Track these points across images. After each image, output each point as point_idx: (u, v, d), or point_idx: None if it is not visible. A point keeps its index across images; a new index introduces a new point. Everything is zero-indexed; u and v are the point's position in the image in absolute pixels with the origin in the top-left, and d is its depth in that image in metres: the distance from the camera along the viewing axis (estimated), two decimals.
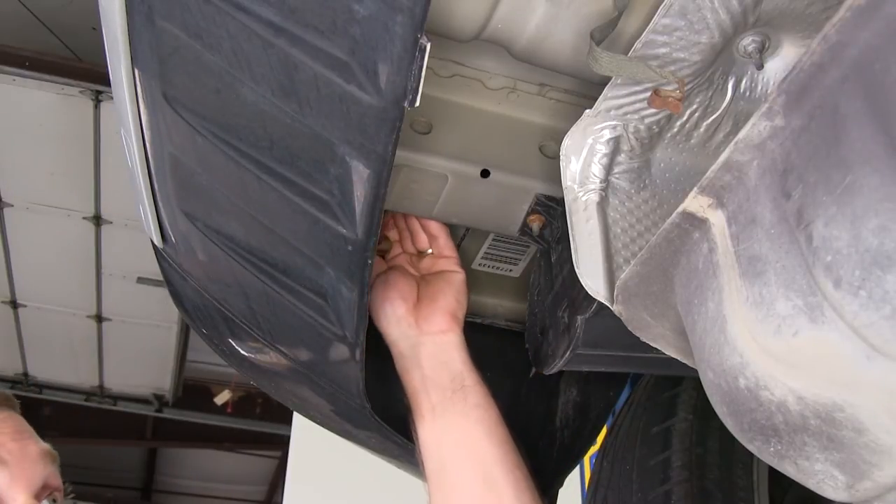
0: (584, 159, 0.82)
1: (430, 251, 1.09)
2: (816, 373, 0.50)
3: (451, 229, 1.12)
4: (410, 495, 1.12)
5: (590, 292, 0.79)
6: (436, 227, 1.08)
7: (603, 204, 0.82)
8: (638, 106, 0.78)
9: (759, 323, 0.52)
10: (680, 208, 0.58)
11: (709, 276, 0.58)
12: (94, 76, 3.59)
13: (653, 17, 0.69)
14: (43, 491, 0.82)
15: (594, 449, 1.58)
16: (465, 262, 1.13)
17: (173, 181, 0.89)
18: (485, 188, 0.95)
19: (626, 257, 0.81)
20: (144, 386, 5.84)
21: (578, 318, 0.91)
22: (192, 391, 6.00)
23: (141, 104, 0.81)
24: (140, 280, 4.63)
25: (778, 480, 1.34)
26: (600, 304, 0.80)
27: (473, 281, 1.12)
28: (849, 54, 0.44)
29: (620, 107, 0.78)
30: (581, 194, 0.82)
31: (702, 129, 0.82)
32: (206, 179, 0.84)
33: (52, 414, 6.00)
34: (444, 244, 1.09)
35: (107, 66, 0.83)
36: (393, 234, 1.11)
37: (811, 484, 0.54)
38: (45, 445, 0.84)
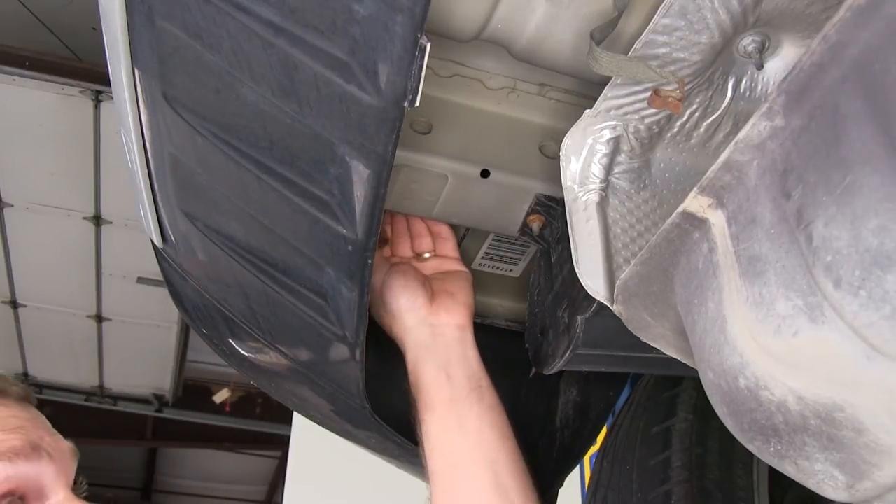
0: (584, 159, 0.82)
1: (427, 255, 1.09)
2: (816, 373, 0.50)
3: (451, 229, 1.12)
4: (410, 495, 1.12)
5: (590, 292, 0.79)
6: (446, 231, 1.08)
7: (603, 204, 0.82)
8: (638, 106, 0.78)
9: (759, 323, 0.52)
10: (680, 208, 0.58)
11: (709, 276, 0.58)
12: (94, 76, 3.59)
13: (653, 17, 0.69)
14: (74, 487, 0.82)
15: (594, 449, 1.58)
16: (465, 262, 1.13)
17: (173, 181, 0.89)
18: (485, 188, 0.95)
19: (626, 257, 0.81)
20: (144, 386, 5.84)
21: (578, 318, 0.91)
22: (192, 391, 5.99)
23: (141, 104, 0.81)
24: (140, 280, 4.62)
25: (778, 480, 1.34)
26: (600, 304, 0.80)
27: (473, 281, 1.12)
28: (849, 54, 0.44)
29: (620, 107, 0.78)
30: (581, 194, 0.82)
31: (702, 129, 0.82)
32: (206, 179, 0.84)
33: (52, 414, 5.89)
34: (452, 247, 1.09)
35: (107, 66, 0.83)
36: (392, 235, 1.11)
37: (811, 484, 0.54)
38: (69, 441, 0.85)
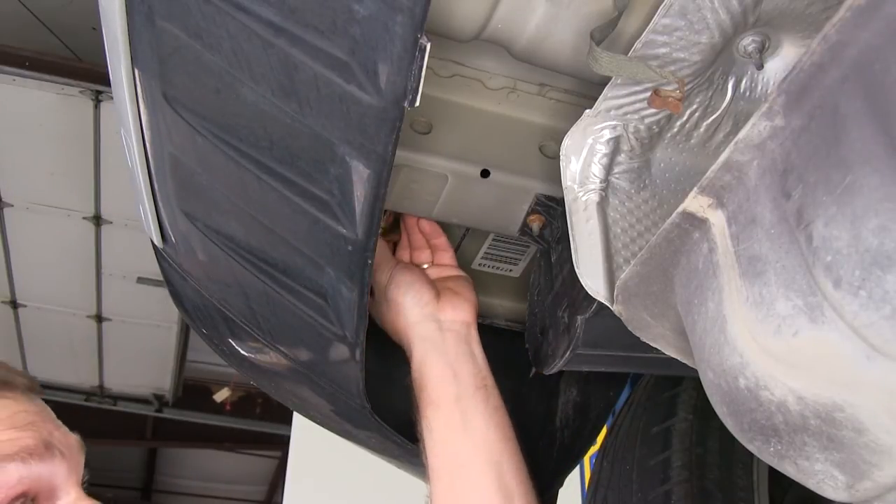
0: (584, 159, 0.82)
1: (426, 266, 1.09)
2: (816, 373, 0.49)
3: (451, 229, 1.12)
4: (410, 495, 1.12)
5: (590, 292, 0.79)
6: (443, 243, 1.09)
7: (603, 204, 0.82)
8: (638, 106, 0.78)
9: (759, 323, 0.52)
10: (680, 208, 0.58)
11: (709, 276, 0.58)
12: (94, 76, 3.59)
13: (653, 17, 0.69)
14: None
15: (594, 449, 1.58)
16: (465, 262, 1.13)
17: (173, 181, 0.89)
18: (485, 188, 0.95)
19: (626, 257, 0.81)
20: (144, 386, 5.84)
21: (578, 318, 0.91)
22: (192, 391, 5.99)
23: (141, 104, 0.81)
24: (140, 280, 4.62)
25: (778, 480, 1.34)
26: (600, 304, 0.80)
27: (473, 281, 1.12)
28: (849, 54, 0.44)
29: (620, 107, 0.78)
30: (581, 194, 0.82)
31: (702, 129, 0.82)
32: (206, 179, 0.84)
33: None
34: (451, 257, 1.10)
35: (107, 66, 0.83)
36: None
37: (811, 484, 0.54)
38: (75, 434, 0.83)
